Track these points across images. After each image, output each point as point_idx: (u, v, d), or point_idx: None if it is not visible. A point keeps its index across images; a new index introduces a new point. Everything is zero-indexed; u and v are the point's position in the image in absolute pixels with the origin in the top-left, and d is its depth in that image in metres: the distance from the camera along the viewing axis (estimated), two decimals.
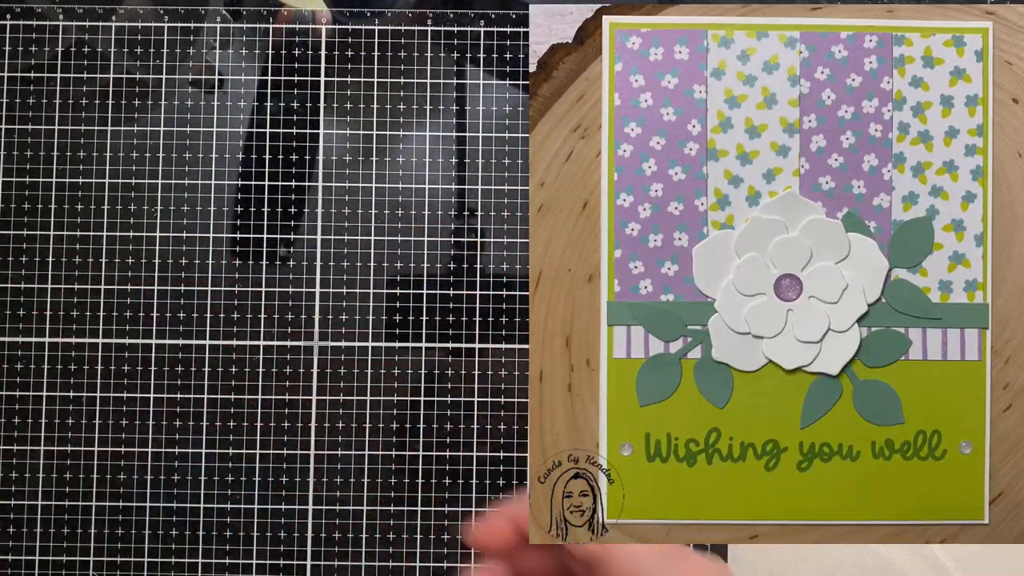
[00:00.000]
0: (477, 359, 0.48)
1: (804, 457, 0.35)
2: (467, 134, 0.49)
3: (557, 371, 0.36)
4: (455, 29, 0.49)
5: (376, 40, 0.49)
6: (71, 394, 0.47)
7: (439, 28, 0.49)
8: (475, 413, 0.48)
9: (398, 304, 0.48)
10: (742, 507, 0.35)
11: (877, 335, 0.35)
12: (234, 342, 0.48)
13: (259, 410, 0.48)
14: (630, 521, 0.35)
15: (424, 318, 0.48)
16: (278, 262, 0.48)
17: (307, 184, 0.48)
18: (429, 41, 0.49)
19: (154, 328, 0.48)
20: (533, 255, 0.36)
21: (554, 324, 0.36)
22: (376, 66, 0.49)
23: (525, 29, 0.49)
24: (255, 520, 0.47)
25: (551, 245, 0.36)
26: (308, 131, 0.49)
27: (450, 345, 0.48)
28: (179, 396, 0.48)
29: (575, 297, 0.36)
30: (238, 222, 0.48)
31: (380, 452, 0.47)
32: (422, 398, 0.48)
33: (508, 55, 0.49)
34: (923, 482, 0.35)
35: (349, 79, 0.49)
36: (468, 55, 0.49)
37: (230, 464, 0.47)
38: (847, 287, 0.34)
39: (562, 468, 0.35)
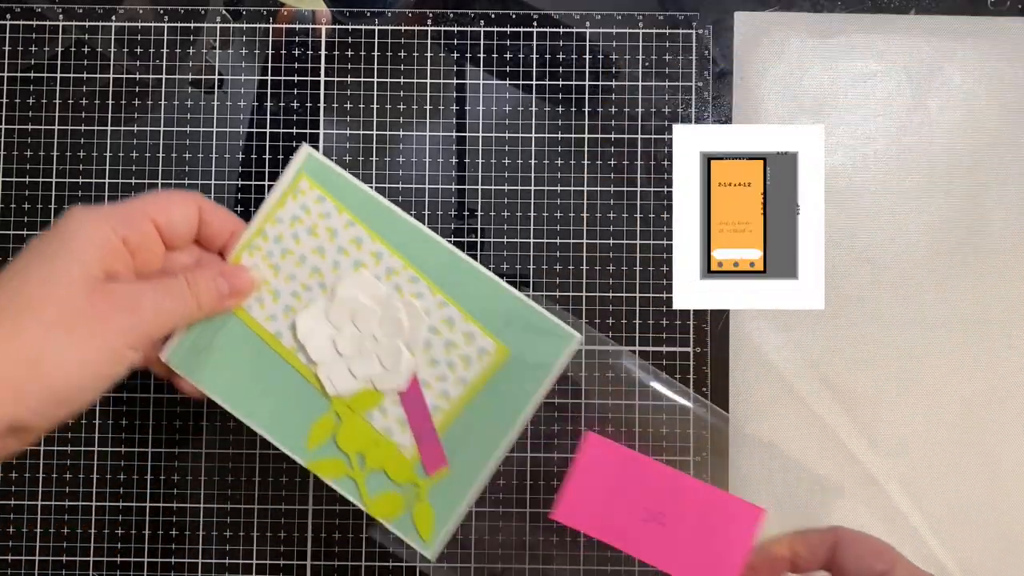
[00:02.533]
0: None
1: None
2: (467, 134, 0.49)
3: None
4: (455, 29, 0.49)
5: (376, 40, 0.49)
6: None
7: (439, 28, 0.49)
8: None
9: None
10: None
11: None
12: None
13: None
14: None
15: None
16: None
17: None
18: (429, 41, 0.49)
19: None
20: None
21: None
22: (376, 66, 0.49)
23: (525, 29, 0.49)
24: (255, 520, 0.47)
25: None
26: (308, 131, 0.49)
27: None
28: (179, 396, 0.47)
29: None
30: None
31: None
32: None
33: (508, 55, 0.49)
34: None
35: (349, 79, 0.49)
36: (468, 55, 0.49)
37: (230, 464, 0.47)
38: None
39: None
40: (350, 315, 0.42)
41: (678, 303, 0.49)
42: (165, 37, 0.49)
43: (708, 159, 0.48)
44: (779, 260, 0.48)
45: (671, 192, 0.48)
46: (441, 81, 0.49)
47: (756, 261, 0.48)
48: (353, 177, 0.42)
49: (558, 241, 0.48)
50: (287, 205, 0.42)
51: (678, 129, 0.49)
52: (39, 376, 0.34)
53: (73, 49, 0.49)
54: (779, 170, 0.48)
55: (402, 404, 0.43)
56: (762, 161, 0.48)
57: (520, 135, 0.48)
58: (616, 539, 0.41)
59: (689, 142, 0.49)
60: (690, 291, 0.49)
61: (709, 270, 0.49)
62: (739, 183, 0.48)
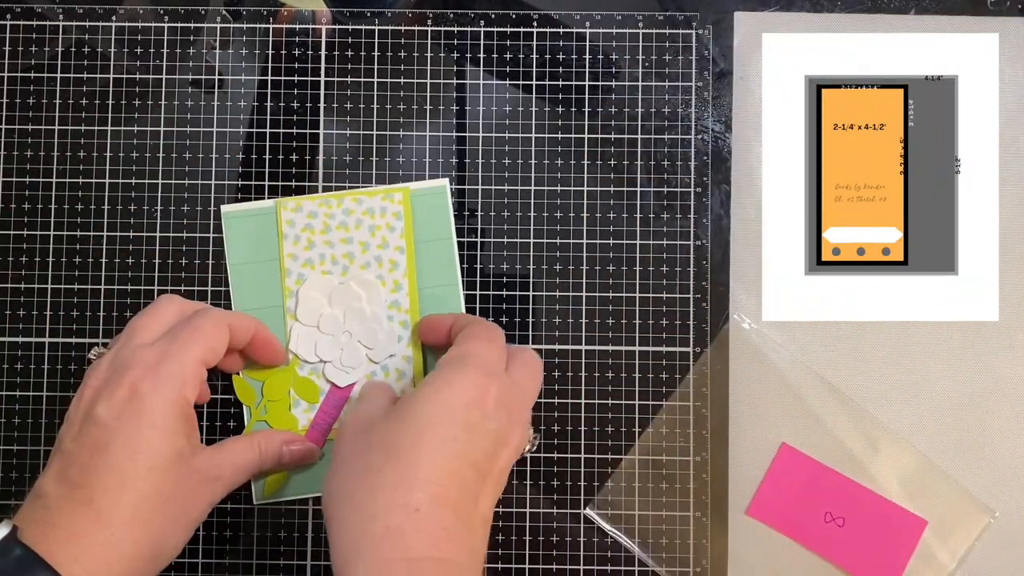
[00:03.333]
0: None
1: None
2: (467, 134, 0.49)
3: None
4: (455, 29, 0.49)
5: (376, 40, 0.49)
6: (71, 394, 0.47)
7: (439, 28, 0.49)
8: None
9: None
10: None
11: None
12: None
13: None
14: None
15: None
16: None
17: (307, 184, 0.48)
18: (429, 41, 0.49)
19: None
20: None
21: None
22: (376, 66, 0.49)
23: (526, 29, 0.49)
24: (255, 520, 0.47)
25: None
26: (308, 131, 0.49)
27: None
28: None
29: None
30: None
31: None
32: None
33: (508, 55, 0.49)
34: None
35: (349, 79, 0.49)
36: (468, 55, 0.49)
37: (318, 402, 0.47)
38: None
39: None
40: (317, 322, 0.47)
41: (769, 314, 0.40)
42: (165, 37, 0.49)
43: (817, 86, 0.34)
44: (928, 245, 0.32)
45: (671, 192, 0.48)
46: (441, 81, 0.49)
47: (893, 246, 0.33)
48: (450, 223, 0.47)
49: (558, 241, 0.48)
50: (375, 198, 0.47)
51: (767, 39, 0.35)
52: (156, 563, 0.39)
53: (73, 49, 0.49)
54: (929, 104, 0.31)
55: (326, 395, 0.47)
56: (902, 90, 0.33)
57: (520, 135, 0.48)
58: (799, 536, 0.45)
59: (785, 58, 0.33)
60: (788, 294, 0.36)
61: (819, 261, 0.36)
62: (866, 125, 0.33)
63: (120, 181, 0.48)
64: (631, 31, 0.49)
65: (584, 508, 0.47)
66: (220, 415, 0.47)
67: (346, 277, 0.47)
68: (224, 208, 0.48)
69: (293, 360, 0.47)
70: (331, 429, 0.47)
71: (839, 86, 0.33)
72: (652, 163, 0.49)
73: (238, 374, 0.47)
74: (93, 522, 0.37)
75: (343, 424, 0.41)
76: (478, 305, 0.48)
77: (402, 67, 0.49)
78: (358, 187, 0.48)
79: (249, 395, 0.47)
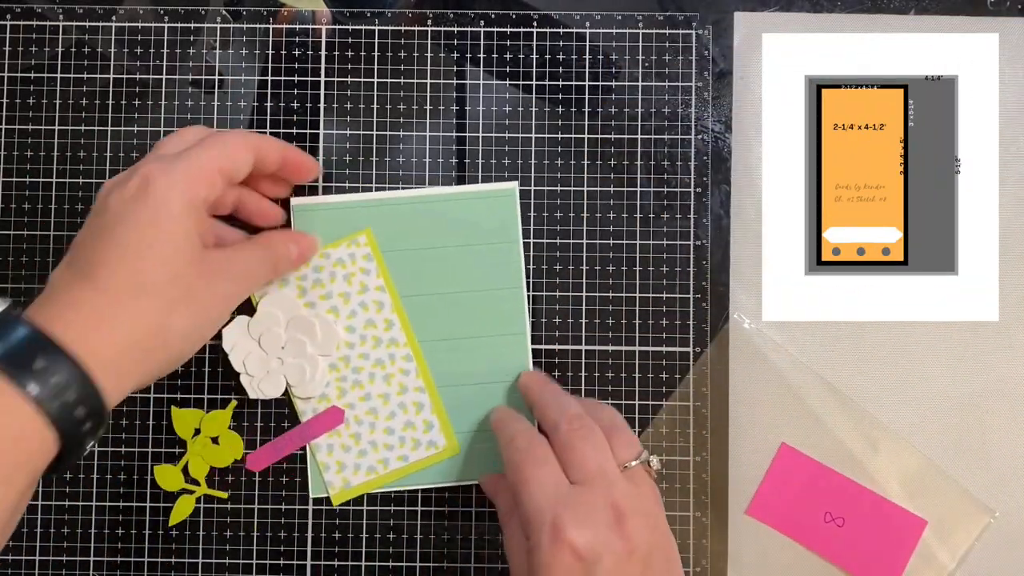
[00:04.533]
0: None
1: None
2: (467, 134, 0.49)
3: None
4: (455, 29, 0.49)
5: (376, 40, 0.49)
6: None
7: (439, 28, 0.49)
8: None
9: None
10: None
11: None
12: None
13: (259, 410, 0.48)
14: None
15: None
16: None
17: (307, 184, 0.48)
18: (429, 41, 0.49)
19: None
20: None
21: None
22: (376, 66, 0.49)
23: (526, 29, 0.49)
24: (255, 520, 0.47)
25: None
26: (308, 131, 0.49)
27: None
28: (179, 396, 0.48)
29: None
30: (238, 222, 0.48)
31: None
32: None
33: (508, 55, 0.49)
34: None
35: (349, 79, 0.49)
36: (468, 55, 0.49)
37: (231, 463, 0.47)
38: None
39: None
40: (260, 335, 0.46)
41: (769, 314, 0.42)
42: (165, 37, 0.49)
43: (817, 86, 0.34)
44: (928, 245, 0.32)
45: (671, 192, 0.48)
46: (441, 81, 0.49)
47: (893, 246, 0.34)
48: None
49: (558, 241, 0.48)
50: (340, 248, 0.47)
51: (767, 39, 0.35)
52: (166, 347, 0.37)
53: (73, 49, 0.49)
54: (929, 104, 0.32)
55: (310, 415, 0.47)
56: (902, 90, 0.34)
57: (520, 135, 0.48)
58: (799, 536, 0.46)
59: (785, 58, 0.33)
60: (788, 294, 0.36)
61: (819, 261, 0.36)
62: (866, 125, 0.34)
63: None
64: (631, 31, 0.49)
65: None
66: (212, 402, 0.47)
67: (335, 318, 0.46)
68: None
69: (231, 405, 0.47)
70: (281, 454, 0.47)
71: (839, 86, 0.33)
72: (652, 163, 0.49)
73: (174, 406, 0.47)
74: (90, 291, 0.36)
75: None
76: None
77: (402, 67, 0.49)
78: (357, 191, 0.48)
79: (186, 428, 0.47)
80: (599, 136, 0.49)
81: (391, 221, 0.47)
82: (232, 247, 0.42)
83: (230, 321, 0.46)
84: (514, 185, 0.47)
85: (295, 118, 0.49)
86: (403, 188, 0.48)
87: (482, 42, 0.49)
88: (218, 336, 0.47)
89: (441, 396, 0.47)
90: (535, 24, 0.49)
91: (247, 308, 0.47)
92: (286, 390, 0.47)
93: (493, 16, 0.49)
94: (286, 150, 0.44)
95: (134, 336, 0.36)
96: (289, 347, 0.46)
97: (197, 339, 0.39)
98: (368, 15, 0.49)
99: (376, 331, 0.46)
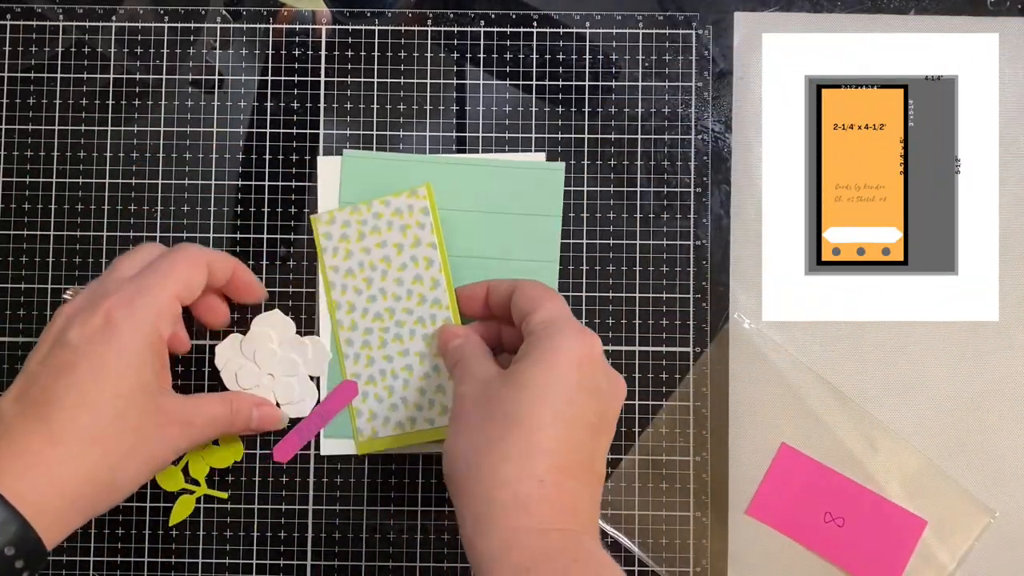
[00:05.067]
0: None
1: None
2: (467, 134, 0.49)
3: None
4: (455, 29, 0.49)
5: (376, 40, 0.49)
6: None
7: (439, 28, 0.49)
8: None
9: None
10: None
11: None
12: None
13: None
14: None
15: None
16: (278, 262, 0.48)
17: (307, 184, 0.48)
18: (429, 41, 0.49)
19: None
20: None
21: None
22: (376, 66, 0.49)
23: (526, 29, 0.49)
24: (255, 520, 0.47)
25: None
26: (308, 131, 0.49)
27: None
28: None
29: None
30: (238, 222, 0.48)
31: (380, 452, 0.47)
32: None
33: (508, 55, 0.49)
34: None
35: (349, 79, 0.49)
36: (468, 55, 0.49)
37: (231, 464, 0.47)
38: None
39: None
40: (253, 352, 0.47)
41: (769, 314, 0.42)
42: (165, 37, 0.49)
43: (817, 86, 0.33)
44: (928, 244, 0.32)
45: (671, 192, 0.48)
46: (441, 81, 0.49)
47: (893, 246, 0.33)
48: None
49: (558, 241, 0.48)
50: (400, 197, 0.47)
51: (767, 39, 0.34)
52: (111, 493, 0.38)
53: (73, 49, 0.49)
54: (929, 104, 0.31)
55: (329, 388, 0.47)
56: (902, 90, 0.33)
57: (520, 135, 0.48)
58: (799, 535, 0.45)
59: (785, 58, 0.33)
60: (788, 294, 0.36)
61: (819, 261, 0.35)
62: (866, 125, 0.33)
63: (120, 181, 0.48)
64: (631, 31, 0.49)
65: None
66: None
67: (385, 281, 0.46)
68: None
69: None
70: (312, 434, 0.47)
71: (839, 86, 0.34)
72: (652, 163, 0.49)
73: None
74: (46, 439, 0.36)
75: (462, 396, 0.40)
76: None
77: (402, 67, 0.49)
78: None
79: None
80: (599, 136, 0.49)
81: (443, 181, 0.47)
82: (193, 398, 0.43)
83: (223, 339, 0.47)
84: (562, 165, 0.48)
85: (295, 118, 0.49)
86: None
87: (482, 42, 0.49)
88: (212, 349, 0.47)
89: None
90: (535, 24, 0.49)
91: (240, 325, 0.47)
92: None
93: (493, 16, 0.49)
94: (237, 268, 0.45)
95: (83, 489, 0.37)
96: (282, 365, 0.47)
97: (142, 481, 0.40)
98: (368, 15, 0.49)
99: (422, 288, 0.46)
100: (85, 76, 0.49)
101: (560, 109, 0.49)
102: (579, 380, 0.38)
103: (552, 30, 0.49)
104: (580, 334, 0.39)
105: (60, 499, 0.36)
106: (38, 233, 0.48)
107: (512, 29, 0.49)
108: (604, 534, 0.47)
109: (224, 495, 0.47)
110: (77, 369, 0.37)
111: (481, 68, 0.49)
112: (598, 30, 0.49)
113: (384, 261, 0.47)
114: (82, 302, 0.40)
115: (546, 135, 0.49)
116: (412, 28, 0.49)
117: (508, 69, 0.49)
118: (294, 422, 0.47)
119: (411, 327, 0.47)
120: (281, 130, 0.49)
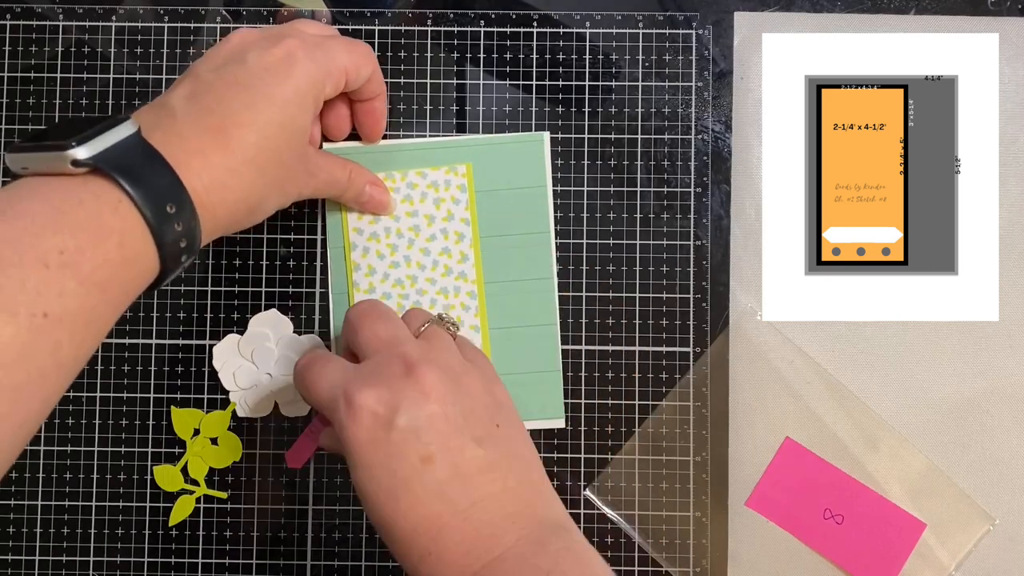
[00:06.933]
0: None
1: None
2: (467, 134, 0.49)
3: None
4: (455, 29, 0.49)
5: (376, 40, 0.49)
6: (71, 394, 0.47)
7: (439, 28, 0.49)
8: None
9: None
10: None
11: None
12: None
13: None
14: None
15: None
16: (277, 262, 0.48)
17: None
18: (429, 41, 0.49)
19: (154, 328, 0.48)
20: None
21: None
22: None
23: (526, 29, 0.49)
24: (255, 520, 0.47)
25: None
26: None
27: None
28: (179, 396, 0.48)
29: None
30: None
31: None
32: None
33: (508, 55, 0.49)
34: None
35: None
36: (468, 55, 0.49)
37: (230, 464, 0.47)
38: None
39: None
40: (251, 352, 0.47)
41: (769, 314, 0.42)
42: (165, 37, 0.49)
43: (817, 86, 0.34)
44: (928, 245, 0.32)
45: (671, 192, 0.48)
46: (441, 81, 0.49)
47: (893, 246, 0.34)
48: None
49: (558, 241, 0.48)
50: (439, 171, 0.48)
51: (767, 39, 0.35)
52: (252, 217, 0.39)
53: (73, 49, 0.49)
54: (929, 104, 0.31)
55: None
56: (902, 90, 0.33)
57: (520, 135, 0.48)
58: (798, 531, 0.46)
59: (785, 58, 0.33)
60: (788, 294, 0.36)
61: (819, 261, 0.36)
62: (866, 125, 0.33)
63: None
64: (631, 31, 0.49)
65: (584, 490, 0.47)
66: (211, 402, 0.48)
67: (411, 250, 0.47)
68: None
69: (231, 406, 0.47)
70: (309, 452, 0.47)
71: (839, 86, 0.34)
72: (652, 163, 0.49)
73: (171, 410, 0.47)
74: (221, 147, 0.36)
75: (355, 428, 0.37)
76: None
77: (402, 67, 0.49)
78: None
79: (186, 429, 0.47)
80: (599, 136, 0.49)
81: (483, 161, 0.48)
82: (322, 154, 0.44)
83: (221, 339, 0.47)
84: (544, 134, 0.48)
85: None
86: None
87: (482, 42, 0.49)
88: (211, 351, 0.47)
89: (490, 337, 0.47)
90: (535, 24, 0.49)
91: (239, 325, 0.47)
92: (275, 407, 0.47)
93: (493, 16, 0.49)
94: (384, 95, 0.46)
95: (240, 206, 0.37)
96: (280, 364, 0.47)
97: (270, 213, 0.40)
98: (368, 15, 0.49)
99: (450, 260, 0.47)
100: (85, 76, 0.49)
101: (560, 109, 0.49)
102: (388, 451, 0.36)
103: (552, 30, 0.49)
104: (352, 404, 0.36)
105: (223, 209, 0.36)
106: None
107: (512, 29, 0.49)
108: (607, 520, 0.47)
109: (224, 495, 0.47)
110: (252, 88, 0.37)
111: (481, 68, 0.49)
112: (598, 30, 0.49)
113: (412, 230, 0.47)
114: (260, 33, 0.40)
115: (546, 135, 0.49)
116: (412, 28, 0.49)
117: (508, 69, 0.49)
118: (296, 423, 0.47)
119: (432, 296, 0.47)
120: None
